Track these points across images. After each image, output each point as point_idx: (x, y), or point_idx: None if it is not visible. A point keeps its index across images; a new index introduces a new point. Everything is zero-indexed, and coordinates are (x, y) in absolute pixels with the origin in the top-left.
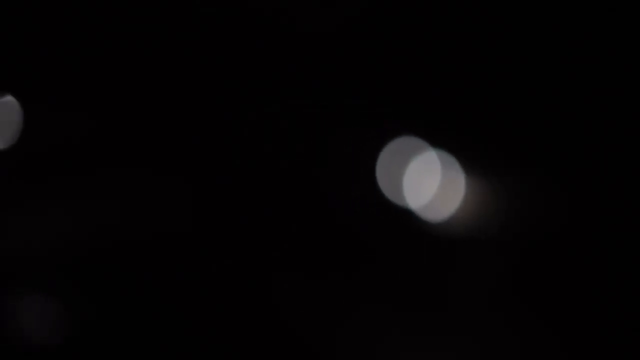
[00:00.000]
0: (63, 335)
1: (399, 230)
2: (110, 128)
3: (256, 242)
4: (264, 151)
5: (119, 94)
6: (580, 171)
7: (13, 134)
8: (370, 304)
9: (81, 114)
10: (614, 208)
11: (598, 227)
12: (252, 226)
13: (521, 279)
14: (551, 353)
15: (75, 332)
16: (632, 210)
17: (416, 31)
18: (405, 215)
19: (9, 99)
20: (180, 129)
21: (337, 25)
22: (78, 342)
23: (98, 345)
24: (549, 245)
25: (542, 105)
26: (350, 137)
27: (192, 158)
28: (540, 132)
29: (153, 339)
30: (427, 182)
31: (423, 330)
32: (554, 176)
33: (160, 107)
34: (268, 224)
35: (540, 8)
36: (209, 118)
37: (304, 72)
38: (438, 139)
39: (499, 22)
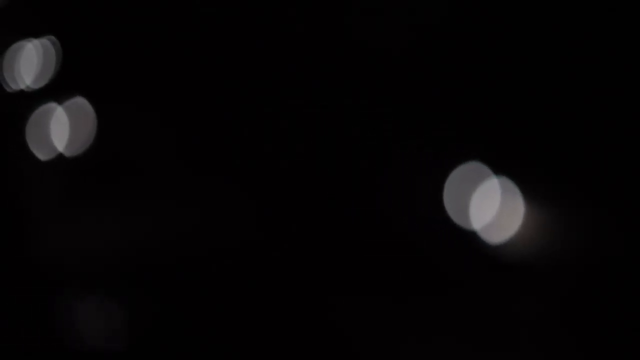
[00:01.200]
0: (126, 338)
1: (461, 251)
2: (181, 130)
3: (323, 262)
4: (330, 175)
5: (190, 95)
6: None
7: (86, 137)
8: (432, 321)
9: (152, 115)
10: None
11: None
12: (319, 247)
13: (577, 304)
14: None
15: (139, 335)
16: None
17: (486, 55)
18: (468, 237)
19: (81, 100)
20: (251, 139)
21: (408, 44)
22: (141, 344)
23: (160, 347)
24: (604, 272)
25: (604, 142)
26: (419, 160)
27: (263, 172)
28: (601, 165)
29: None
30: (488, 206)
31: (480, 347)
32: (612, 206)
33: (229, 112)
34: (335, 245)
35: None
36: (283, 138)
37: (375, 94)
38: (501, 166)
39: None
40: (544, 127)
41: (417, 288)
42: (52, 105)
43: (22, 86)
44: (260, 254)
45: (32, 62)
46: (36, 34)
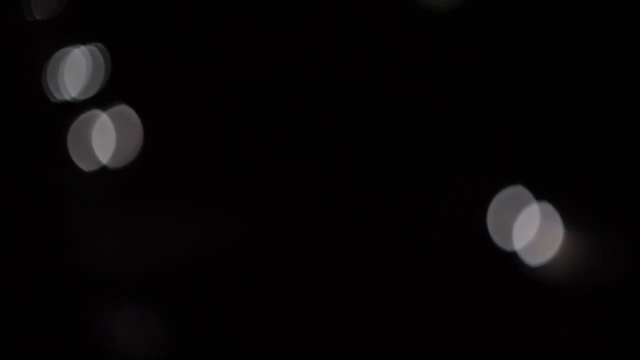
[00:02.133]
0: (167, 348)
1: (501, 271)
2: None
3: (363, 282)
4: (375, 195)
5: (236, 105)
6: None
7: (132, 148)
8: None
9: (197, 125)
10: None
11: None
12: (360, 266)
13: (612, 326)
14: None
15: (180, 345)
16: None
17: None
18: (509, 258)
19: (127, 109)
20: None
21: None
22: (181, 355)
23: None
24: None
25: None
26: (464, 183)
27: (311, 185)
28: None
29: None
30: (529, 229)
31: None
32: None
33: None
34: (378, 265)
35: None
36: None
37: (422, 118)
38: (542, 191)
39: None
40: (585, 155)
41: (458, 306)
42: (97, 113)
43: (67, 96)
44: (305, 270)
45: (78, 69)
46: (83, 41)
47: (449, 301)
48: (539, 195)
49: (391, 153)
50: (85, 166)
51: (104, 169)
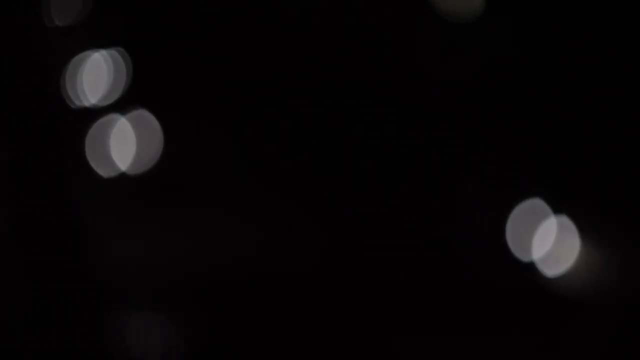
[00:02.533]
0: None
1: (519, 281)
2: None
3: (384, 293)
4: (395, 205)
5: (257, 110)
6: None
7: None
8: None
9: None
10: None
11: None
12: (381, 277)
13: (628, 339)
14: None
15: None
16: None
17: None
18: (526, 268)
19: (146, 113)
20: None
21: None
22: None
23: None
24: None
25: None
26: (485, 195)
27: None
28: None
29: None
30: (546, 241)
31: None
32: None
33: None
34: (397, 276)
35: None
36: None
37: (443, 129)
38: (560, 204)
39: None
40: (604, 169)
41: (475, 315)
42: (116, 118)
43: (86, 101)
44: (322, 277)
45: (97, 74)
46: (103, 45)
47: (467, 310)
48: (557, 208)
49: (412, 162)
50: (103, 172)
51: (122, 175)
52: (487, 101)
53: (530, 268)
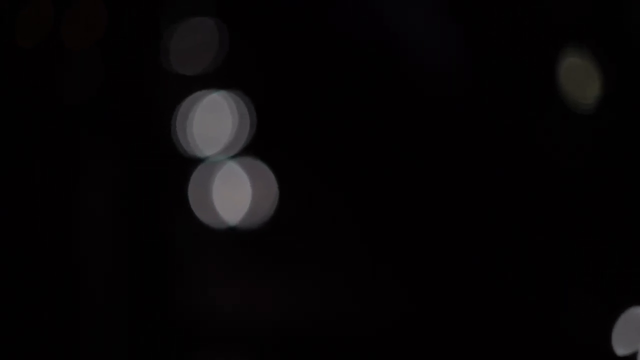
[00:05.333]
0: None
1: None
2: None
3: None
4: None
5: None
6: None
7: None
8: None
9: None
10: None
11: None
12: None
13: None
14: None
15: None
16: None
17: None
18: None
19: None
20: None
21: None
22: None
23: None
24: None
25: None
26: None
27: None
28: None
29: None
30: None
31: None
32: None
33: None
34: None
35: None
36: None
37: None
38: None
39: None
40: None
41: None
42: (230, 164)
43: (197, 145)
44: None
45: (211, 116)
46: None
47: None
48: None
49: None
50: (209, 220)
51: (230, 225)
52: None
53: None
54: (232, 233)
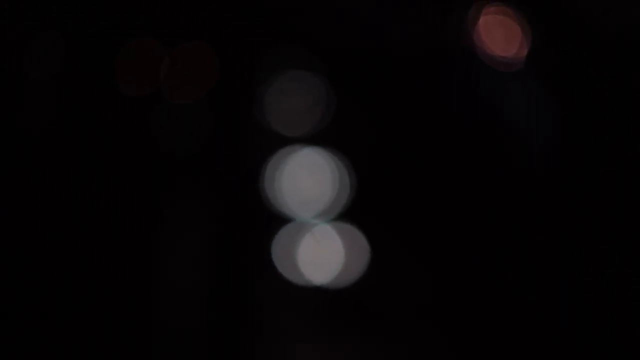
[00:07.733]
0: None
1: None
2: None
3: None
4: None
5: None
6: None
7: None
8: None
9: None
10: None
11: None
12: None
13: None
14: None
15: None
16: None
17: None
18: None
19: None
20: None
21: None
22: None
23: None
24: None
25: None
26: None
27: None
28: None
29: None
30: None
31: None
32: None
33: None
34: None
35: None
36: None
37: None
38: None
39: None
40: None
41: None
42: (321, 226)
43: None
44: None
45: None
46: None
47: None
48: None
49: None
50: (294, 279)
51: (314, 284)
52: None
53: None
54: (318, 293)
